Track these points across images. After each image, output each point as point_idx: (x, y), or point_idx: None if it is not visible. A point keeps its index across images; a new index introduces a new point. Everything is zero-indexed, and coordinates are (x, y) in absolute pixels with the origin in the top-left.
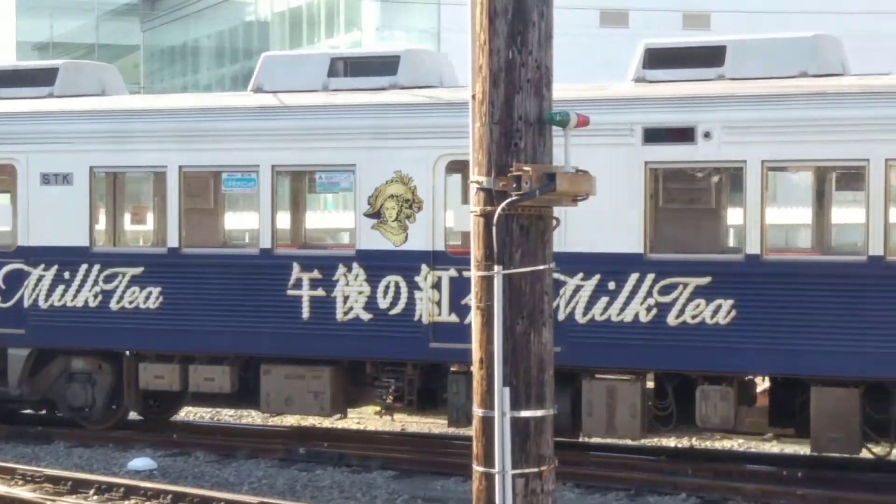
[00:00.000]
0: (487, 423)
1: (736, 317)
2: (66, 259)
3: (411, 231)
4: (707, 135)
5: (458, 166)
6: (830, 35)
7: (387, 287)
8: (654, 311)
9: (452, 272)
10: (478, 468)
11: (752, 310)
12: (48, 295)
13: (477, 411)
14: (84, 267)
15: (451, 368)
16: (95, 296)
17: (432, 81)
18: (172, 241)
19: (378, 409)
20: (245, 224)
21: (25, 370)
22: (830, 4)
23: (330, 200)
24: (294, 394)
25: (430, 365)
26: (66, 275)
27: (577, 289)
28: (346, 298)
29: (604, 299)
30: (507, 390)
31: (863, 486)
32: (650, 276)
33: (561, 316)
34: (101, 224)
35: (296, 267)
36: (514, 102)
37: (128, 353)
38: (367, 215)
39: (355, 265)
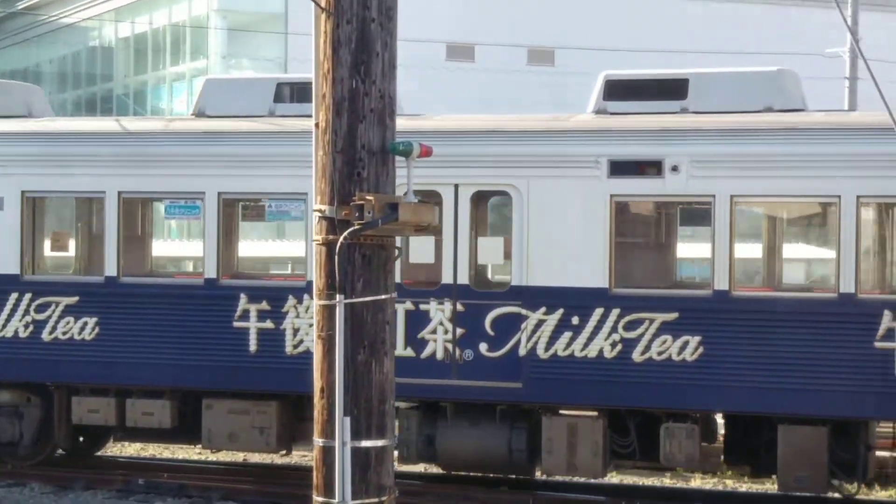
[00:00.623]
0: (328, 452)
1: (703, 353)
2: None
3: None
4: (675, 168)
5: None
6: (791, 70)
7: None
8: (619, 346)
9: (409, 304)
10: (318, 498)
11: (720, 346)
12: None
13: (317, 441)
14: (14, 296)
15: (400, 405)
16: (26, 326)
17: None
18: (110, 270)
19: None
20: (189, 252)
21: None
22: (678, 43)
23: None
24: (238, 429)
25: None
26: None
27: (540, 323)
28: (295, 331)
29: (567, 334)
30: (347, 420)
31: None
32: (615, 312)
33: (522, 351)
34: (32, 252)
35: (243, 298)
36: (358, 132)
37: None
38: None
39: (306, 297)
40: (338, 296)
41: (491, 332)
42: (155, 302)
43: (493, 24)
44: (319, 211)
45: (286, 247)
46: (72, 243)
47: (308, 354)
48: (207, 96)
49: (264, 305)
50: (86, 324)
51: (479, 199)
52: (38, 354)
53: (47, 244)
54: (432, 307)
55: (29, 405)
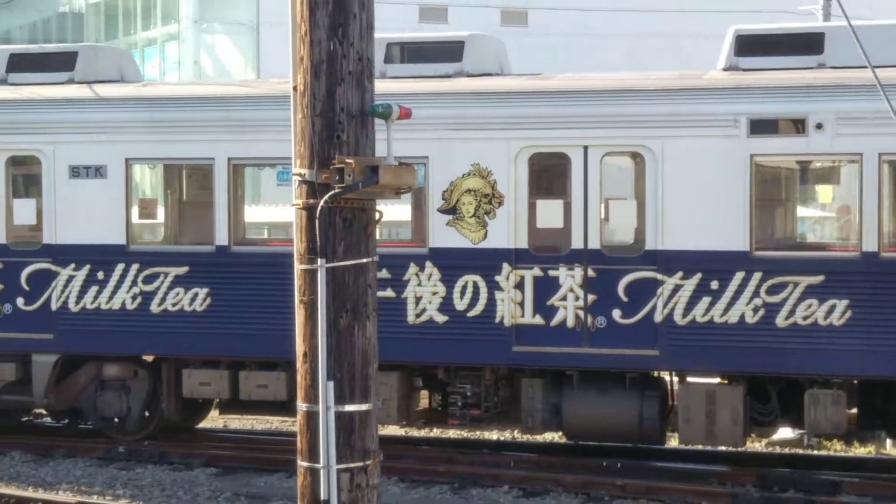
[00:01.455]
0: (311, 417)
1: (851, 317)
2: (100, 258)
3: (491, 228)
4: (819, 126)
5: (544, 158)
6: None
7: (464, 287)
8: (762, 311)
9: (537, 271)
10: (302, 463)
11: (868, 310)
12: (79, 297)
13: (301, 406)
14: (120, 267)
15: (525, 373)
16: (133, 297)
17: (494, 68)
18: (221, 239)
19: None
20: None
21: (52, 378)
22: (650, 2)
23: None
24: None
25: (510, 370)
26: (101, 275)
27: (676, 288)
28: (418, 300)
29: (706, 299)
30: (331, 384)
31: (676, 476)
32: (757, 275)
33: (658, 318)
34: (139, 220)
35: None
36: (336, 94)
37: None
38: (442, 211)
39: (428, 264)
40: (319, 260)
41: (624, 299)
42: (268, 270)
43: None
44: (299, 175)
45: (404, 212)
46: (178, 211)
47: (431, 324)
48: None
49: (384, 273)
50: (196, 295)
51: (609, 160)
52: (147, 327)
53: (153, 212)
54: (562, 273)
55: (136, 379)
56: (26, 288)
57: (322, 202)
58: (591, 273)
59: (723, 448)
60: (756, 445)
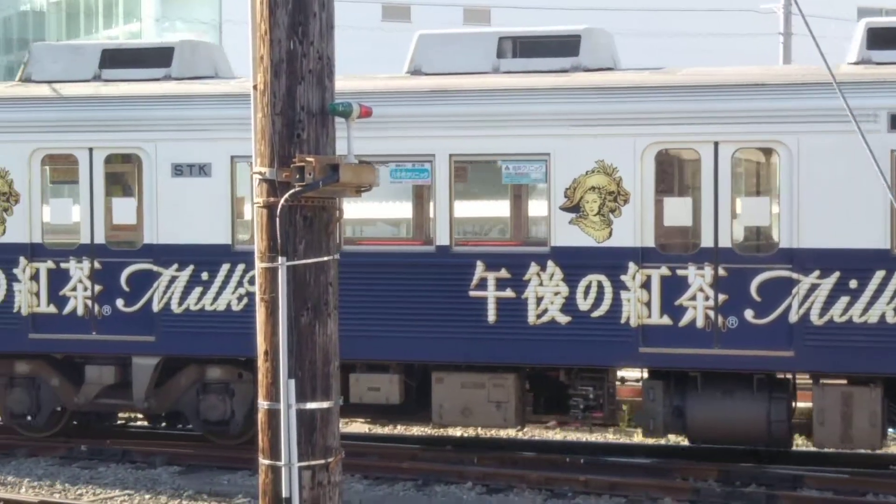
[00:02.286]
0: (273, 415)
1: None
2: (204, 259)
3: (616, 226)
4: None
5: (670, 155)
6: None
7: (588, 287)
8: None
9: (664, 270)
10: (264, 461)
11: None
12: (182, 298)
13: (262, 404)
14: (226, 267)
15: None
16: (239, 298)
17: (609, 63)
18: None
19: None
20: (413, 217)
21: (153, 381)
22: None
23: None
24: (473, 404)
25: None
26: (205, 276)
27: (813, 288)
28: (539, 300)
29: (844, 299)
30: (292, 382)
31: (638, 471)
32: None
33: (793, 318)
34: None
35: (479, 266)
36: (297, 93)
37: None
38: (564, 209)
39: (550, 263)
40: (280, 258)
41: (757, 298)
42: (379, 271)
43: None
44: (259, 173)
45: (525, 211)
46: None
47: (553, 324)
48: (421, 53)
49: (503, 273)
50: None
51: (741, 156)
52: (254, 328)
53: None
54: (691, 272)
55: (240, 381)
56: (126, 289)
57: (283, 200)
58: (721, 272)
59: (685, 443)
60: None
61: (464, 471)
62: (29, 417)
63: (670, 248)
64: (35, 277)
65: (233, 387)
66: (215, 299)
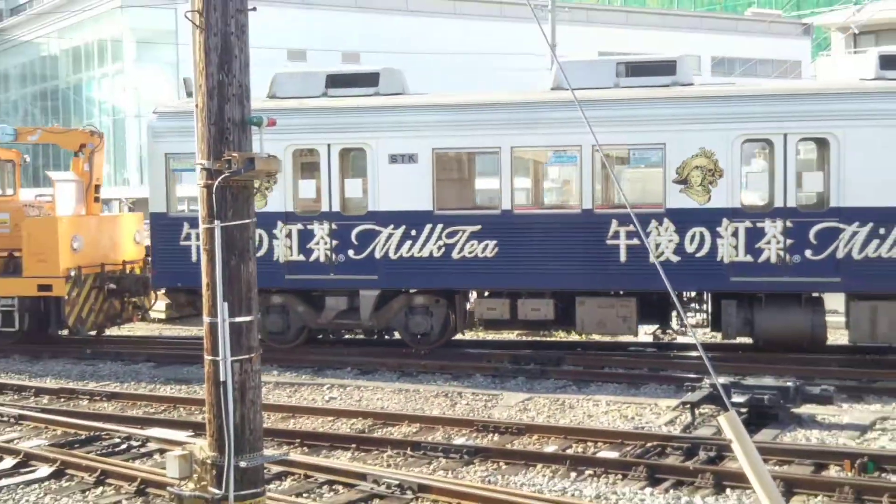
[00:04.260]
0: (214, 326)
1: None
2: (412, 221)
3: (714, 193)
4: None
5: (753, 143)
6: None
7: (693, 236)
8: None
9: (747, 223)
10: (208, 357)
11: None
12: (397, 248)
13: (206, 318)
14: (428, 227)
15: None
16: (439, 248)
17: (692, 80)
18: (506, 205)
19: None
20: (568, 190)
21: (374, 307)
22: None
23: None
24: (606, 319)
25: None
26: (413, 233)
27: (854, 234)
28: (657, 245)
29: (875, 241)
30: (226, 304)
31: (463, 357)
32: None
33: (840, 254)
34: (440, 193)
35: (614, 222)
36: (225, 110)
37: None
38: (676, 182)
39: (665, 220)
40: (215, 221)
41: (814, 242)
42: (541, 227)
43: (318, 34)
44: (201, 164)
45: (646, 183)
46: (470, 185)
47: (668, 262)
48: (561, 74)
49: (631, 228)
50: (487, 245)
51: (802, 144)
52: (450, 269)
53: (450, 186)
54: (767, 224)
55: (437, 305)
56: (355, 243)
57: (217, 182)
58: (788, 224)
59: (492, 337)
60: None
61: (345, 360)
62: (280, 334)
63: (751, 209)
64: (289, 235)
65: (431, 309)
66: (421, 249)
